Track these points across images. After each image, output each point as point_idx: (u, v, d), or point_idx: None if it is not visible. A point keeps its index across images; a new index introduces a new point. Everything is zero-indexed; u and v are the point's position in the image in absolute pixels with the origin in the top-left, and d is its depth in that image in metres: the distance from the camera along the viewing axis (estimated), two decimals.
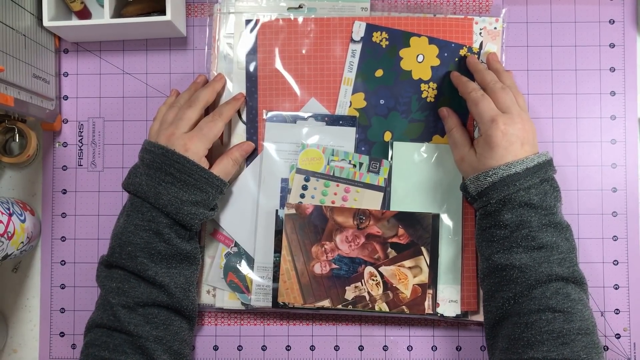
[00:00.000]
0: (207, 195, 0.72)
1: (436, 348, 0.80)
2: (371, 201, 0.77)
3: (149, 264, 0.70)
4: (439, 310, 0.77)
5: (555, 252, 0.67)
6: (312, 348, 0.81)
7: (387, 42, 0.79)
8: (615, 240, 0.80)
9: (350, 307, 0.76)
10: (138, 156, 0.74)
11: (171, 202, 0.70)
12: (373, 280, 0.76)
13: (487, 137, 0.69)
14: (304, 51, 0.79)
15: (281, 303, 0.77)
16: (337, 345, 0.81)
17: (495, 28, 0.79)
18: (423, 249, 0.76)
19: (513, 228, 0.67)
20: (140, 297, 0.69)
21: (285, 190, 0.78)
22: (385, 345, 0.80)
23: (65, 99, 0.83)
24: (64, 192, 0.82)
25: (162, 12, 0.76)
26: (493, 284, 0.69)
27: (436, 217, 0.76)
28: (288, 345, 0.81)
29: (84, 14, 0.81)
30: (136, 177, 0.72)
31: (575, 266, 0.68)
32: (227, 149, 0.78)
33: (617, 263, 0.80)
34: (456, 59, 0.78)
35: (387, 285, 0.76)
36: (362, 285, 0.76)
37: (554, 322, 0.64)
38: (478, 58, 0.78)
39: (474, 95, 0.72)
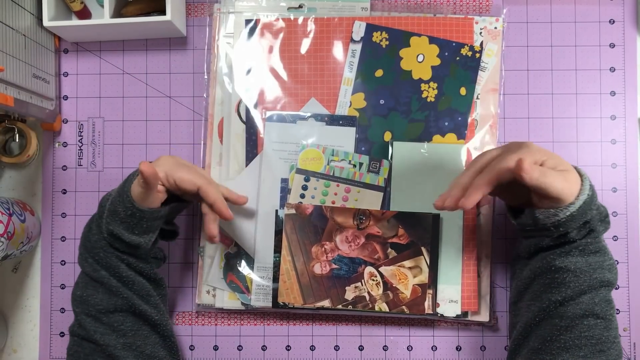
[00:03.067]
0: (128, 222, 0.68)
1: (436, 348, 0.80)
2: (371, 201, 0.77)
3: (97, 266, 0.69)
4: (439, 310, 0.77)
5: (607, 257, 0.66)
6: (312, 348, 0.81)
7: (387, 42, 0.79)
8: (615, 240, 0.80)
9: (350, 307, 0.76)
10: None
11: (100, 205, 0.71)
12: (373, 280, 0.76)
13: (555, 198, 0.63)
14: (304, 51, 0.79)
15: (281, 303, 0.77)
16: (337, 345, 0.81)
17: (495, 28, 0.79)
18: (423, 249, 0.76)
19: (580, 239, 0.66)
20: (100, 304, 0.69)
21: (285, 190, 0.78)
22: (385, 345, 0.80)
23: (65, 99, 0.83)
24: (64, 192, 0.82)
25: (162, 12, 0.76)
26: (543, 285, 0.67)
27: (436, 217, 0.76)
28: (288, 345, 0.81)
29: (84, 14, 0.81)
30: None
31: (617, 273, 0.67)
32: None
33: (618, 263, 0.80)
34: (457, 58, 0.78)
35: (387, 286, 0.76)
36: (362, 285, 0.76)
37: (595, 328, 0.63)
38: (479, 57, 0.78)
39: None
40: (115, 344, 0.68)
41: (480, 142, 0.78)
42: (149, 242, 0.69)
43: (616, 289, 0.80)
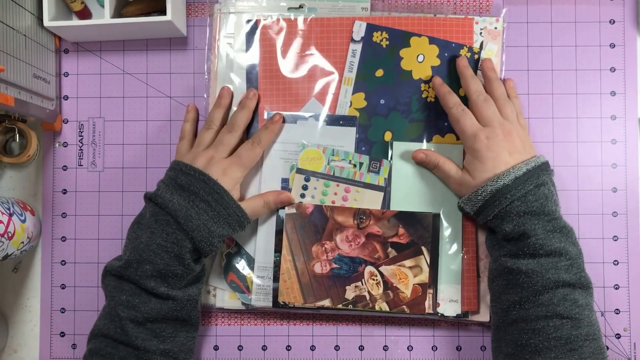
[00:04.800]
0: (233, 231, 0.71)
1: (436, 348, 0.80)
2: (371, 201, 0.77)
3: (162, 283, 0.68)
4: (440, 310, 0.77)
5: (564, 258, 0.66)
6: (313, 348, 0.81)
7: (387, 42, 0.79)
8: (615, 240, 0.80)
9: (350, 306, 0.76)
10: (166, 175, 0.72)
11: (199, 229, 0.67)
12: (373, 279, 0.76)
13: (473, 152, 0.70)
14: (304, 51, 0.79)
15: (281, 303, 0.76)
16: (337, 345, 0.81)
17: (495, 28, 0.79)
18: (423, 248, 0.76)
19: (518, 238, 0.68)
20: (150, 313, 0.68)
21: (285, 190, 0.78)
22: (385, 345, 0.80)
23: (66, 99, 0.83)
24: (64, 192, 0.82)
25: (162, 12, 0.76)
26: (500, 286, 0.69)
27: (437, 217, 0.76)
28: (288, 345, 0.81)
29: (84, 14, 0.81)
30: (167, 193, 0.69)
31: (583, 272, 0.68)
32: (264, 192, 0.77)
33: (618, 263, 0.80)
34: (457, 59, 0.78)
35: (387, 285, 0.76)
36: (362, 284, 0.76)
37: (562, 328, 0.64)
38: (479, 57, 0.78)
39: (455, 111, 0.73)
40: (155, 350, 0.68)
41: None
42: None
43: (616, 289, 0.80)
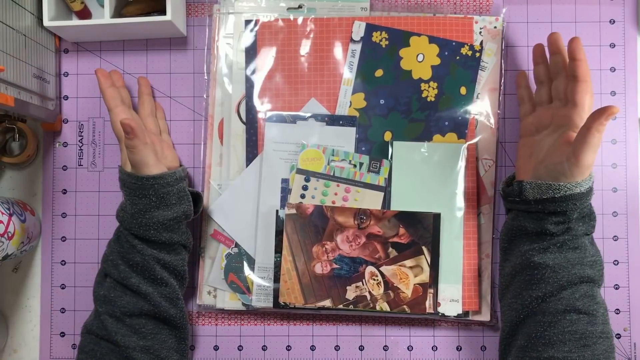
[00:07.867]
0: (148, 199, 0.69)
1: (436, 348, 0.80)
2: (372, 201, 0.77)
3: (130, 272, 0.70)
4: (440, 309, 0.77)
5: (588, 254, 0.67)
6: (313, 348, 0.81)
7: (387, 42, 0.79)
8: (615, 240, 0.80)
9: (351, 306, 0.76)
10: None
11: (120, 216, 0.72)
12: (374, 280, 0.76)
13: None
14: (303, 52, 0.79)
15: (282, 303, 0.76)
16: (337, 345, 0.81)
17: (495, 27, 0.79)
18: (424, 248, 0.76)
19: (558, 234, 0.67)
20: (126, 307, 0.69)
21: (285, 191, 0.78)
22: (385, 345, 0.80)
23: (66, 99, 0.83)
24: (64, 192, 0.82)
25: (162, 12, 0.76)
26: (523, 282, 0.68)
27: (437, 217, 0.76)
28: (288, 345, 0.81)
29: (84, 13, 0.81)
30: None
31: (603, 269, 0.68)
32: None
33: (618, 263, 0.80)
34: (457, 57, 0.78)
35: (388, 285, 0.76)
36: (363, 285, 0.76)
37: (578, 323, 0.64)
38: (479, 56, 0.78)
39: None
40: (135, 346, 0.69)
41: (480, 141, 0.79)
42: (190, 210, 0.72)
43: (616, 289, 0.80)
